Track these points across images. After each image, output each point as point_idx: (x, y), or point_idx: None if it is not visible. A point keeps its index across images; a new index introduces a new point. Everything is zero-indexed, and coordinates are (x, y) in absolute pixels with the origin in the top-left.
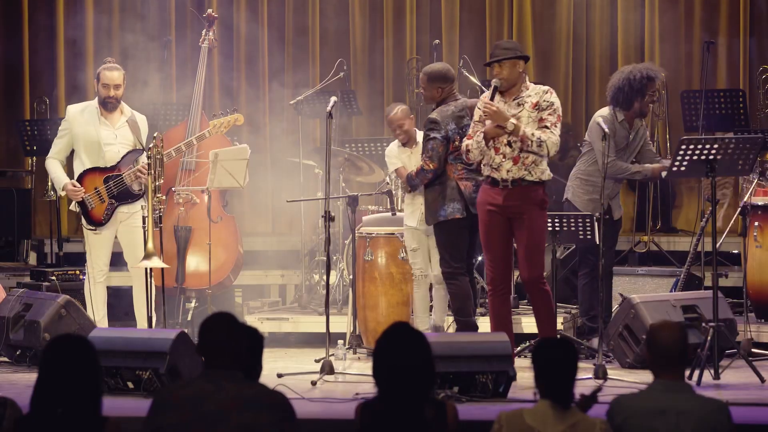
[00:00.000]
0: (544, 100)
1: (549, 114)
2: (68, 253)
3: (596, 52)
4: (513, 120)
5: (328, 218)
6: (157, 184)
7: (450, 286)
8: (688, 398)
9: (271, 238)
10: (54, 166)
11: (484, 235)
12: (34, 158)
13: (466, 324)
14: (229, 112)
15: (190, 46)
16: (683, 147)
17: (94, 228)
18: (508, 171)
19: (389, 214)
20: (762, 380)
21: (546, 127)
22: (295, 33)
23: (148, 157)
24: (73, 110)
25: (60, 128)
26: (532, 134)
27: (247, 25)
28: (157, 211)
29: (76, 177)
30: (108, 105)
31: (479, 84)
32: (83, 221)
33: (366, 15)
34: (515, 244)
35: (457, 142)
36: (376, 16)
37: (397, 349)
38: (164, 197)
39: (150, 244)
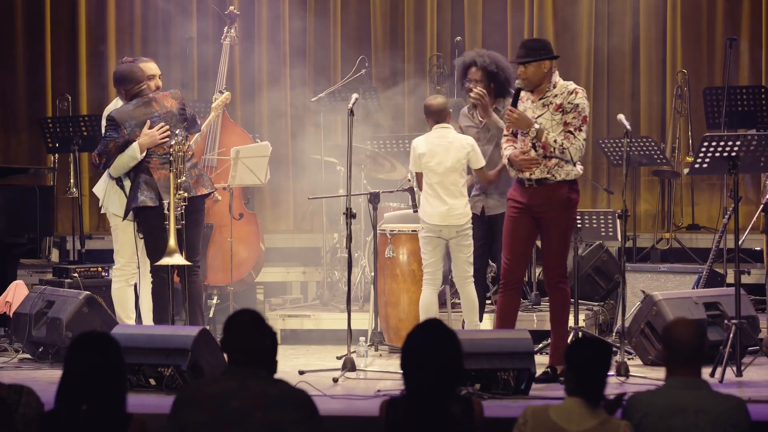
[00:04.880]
0: (569, 102)
1: (573, 117)
2: (90, 250)
3: (617, 48)
4: (536, 126)
5: (350, 215)
6: (179, 181)
7: (153, 285)
8: (707, 396)
9: (292, 235)
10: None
11: (507, 230)
12: (57, 155)
13: None
14: (221, 92)
15: (211, 44)
16: (705, 144)
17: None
18: (531, 173)
19: (411, 211)
20: None
21: (570, 132)
22: (317, 30)
23: (171, 154)
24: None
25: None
26: (555, 141)
27: (269, 22)
28: (179, 209)
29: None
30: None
31: None
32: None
33: (387, 12)
34: (539, 243)
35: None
36: (398, 13)
37: (428, 345)
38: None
39: (172, 241)
